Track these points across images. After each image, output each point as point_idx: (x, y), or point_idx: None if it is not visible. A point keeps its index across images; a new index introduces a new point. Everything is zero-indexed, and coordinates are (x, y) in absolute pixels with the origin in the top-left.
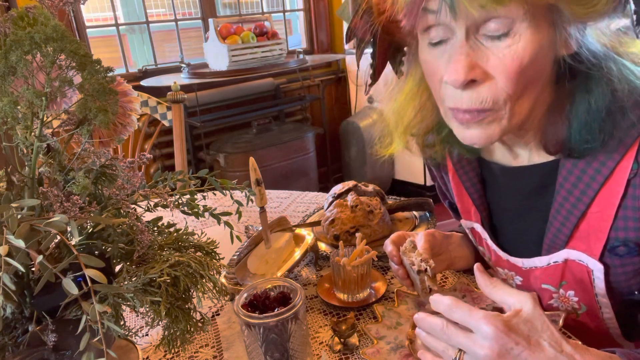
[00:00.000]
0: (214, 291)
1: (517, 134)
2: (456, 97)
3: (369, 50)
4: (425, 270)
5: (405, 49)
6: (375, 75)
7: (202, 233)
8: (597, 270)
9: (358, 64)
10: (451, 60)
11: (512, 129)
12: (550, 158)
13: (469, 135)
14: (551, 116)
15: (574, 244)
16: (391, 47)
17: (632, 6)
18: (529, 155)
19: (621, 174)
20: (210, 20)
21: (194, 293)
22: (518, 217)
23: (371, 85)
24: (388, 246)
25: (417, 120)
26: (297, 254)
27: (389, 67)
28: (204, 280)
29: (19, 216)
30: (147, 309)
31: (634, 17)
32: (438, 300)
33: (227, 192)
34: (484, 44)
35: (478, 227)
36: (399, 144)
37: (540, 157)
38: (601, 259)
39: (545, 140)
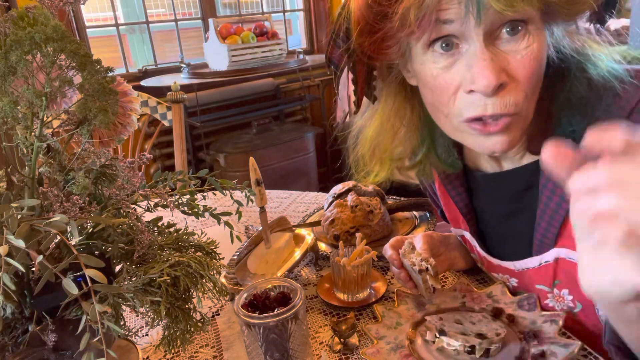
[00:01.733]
0: (214, 291)
1: None
2: (479, 105)
3: (344, 76)
4: (427, 269)
5: (375, 73)
6: (359, 101)
7: (202, 233)
8: None
9: (337, 91)
10: (474, 68)
11: (526, 128)
12: (533, 159)
13: (490, 143)
14: (535, 113)
15: (563, 242)
16: (370, 71)
17: None
18: (513, 161)
19: None
20: (210, 20)
21: (194, 293)
22: (506, 221)
23: (355, 112)
24: (387, 251)
25: (394, 146)
26: (297, 254)
27: None
28: (204, 280)
29: (19, 216)
30: (147, 309)
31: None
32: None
33: (227, 192)
34: (500, 49)
35: (467, 235)
36: (382, 172)
37: (523, 160)
38: None
39: (529, 140)
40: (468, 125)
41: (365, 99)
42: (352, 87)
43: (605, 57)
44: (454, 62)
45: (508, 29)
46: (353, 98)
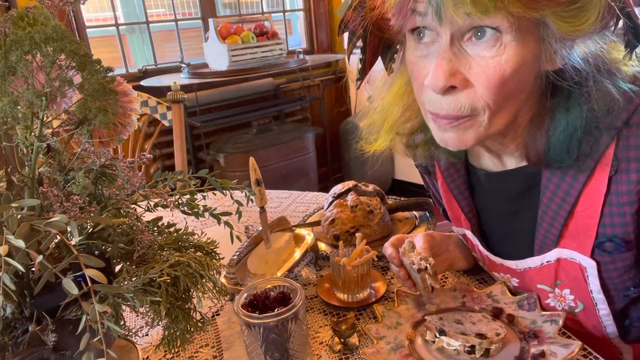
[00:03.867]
0: (214, 291)
1: (502, 142)
2: (435, 102)
3: (359, 45)
4: (426, 268)
5: (397, 46)
6: (364, 70)
7: (202, 233)
8: (590, 267)
9: (348, 58)
10: (433, 64)
11: (488, 137)
12: None
13: (445, 137)
14: (532, 129)
15: (565, 242)
16: (382, 43)
17: (624, 23)
18: (516, 162)
19: (603, 171)
20: (210, 20)
21: (194, 293)
22: (508, 220)
23: (359, 80)
24: (387, 249)
25: (403, 120)
26: (297, 254)
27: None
28: (204, 280)
29: (19, 216)
30: (147, 309)
31: (625, 37)
32: None
33: (227, 192)
34: (467, 51)
35: (469, 234)
36: (384, 141)
37: (526, 162)
38: (592, 256)
39: (527, 151)
40: (430, 116)
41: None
42: (360, 56)
43: (626, 77)
44: (428, 54)
45: (477, 33)
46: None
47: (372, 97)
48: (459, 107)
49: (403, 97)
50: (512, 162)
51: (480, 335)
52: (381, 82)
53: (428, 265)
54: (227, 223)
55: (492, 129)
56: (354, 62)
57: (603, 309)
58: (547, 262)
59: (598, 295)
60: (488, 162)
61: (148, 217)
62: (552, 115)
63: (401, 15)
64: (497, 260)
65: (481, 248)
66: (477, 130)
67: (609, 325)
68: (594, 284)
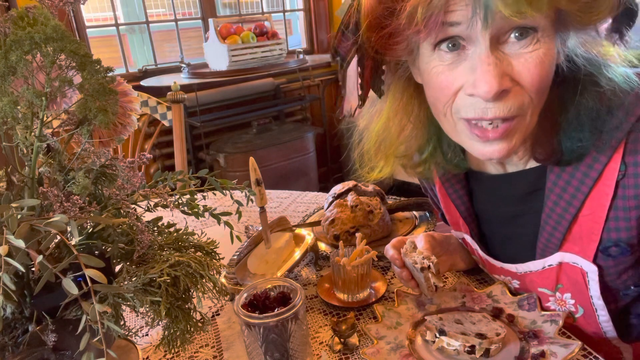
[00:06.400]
0: (214, 291)
1: None
2: (479, 108)
3: (352, 69)
4: (429, 267)
5: (384, 67)
6: (364, 94)
7: (202, 233)
8: (592, 272)
9: (342, 84)
10: (477, 71)
11: (527, 137)
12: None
13: (488, 150)
14: (541, 123)
15: (568, 246)
16: (375, 65)
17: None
18: (517, 165)
19: (610, 175)
20: (210, 20)
21: (194, 293)
22: (509, 224)
23: (361, 106)
24: (389, 250)
25: (400, 142)
26: (297, 254)
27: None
28: (204, 280)
29: (19, 216)
30: (147, 309)
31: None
32: None
33: (227, 192)
34: (506, 52)
35: (468, 238)
36: (386, 168)
37: (529, 164)
38: (595, 261)
39: (534, 148)
40: (467, 128)
41: (372, 93)
42: (359, 81)
43: (622, 65)
44: (459, 63)
45: (516, 34)
46: (359, 92)
47: (360, 126)
48: (507, 108)
49: (394, 120)
50: (512, 167)
51: (480, 335)
52: (370, 110)
53: (431, 264)
54: (227, 223)
55: (530, 128)
56: (353, 62)
57: (603, 315)
58: (548, 265)
59: (598, 302)
60: (489, 167)
61: (148, 217)
62: (563, 103)
63: (431, 29)
64: (498, 263)
65: (480, 252)
66: (521, 132)
67: (609, 331)
68: (594, 289)
